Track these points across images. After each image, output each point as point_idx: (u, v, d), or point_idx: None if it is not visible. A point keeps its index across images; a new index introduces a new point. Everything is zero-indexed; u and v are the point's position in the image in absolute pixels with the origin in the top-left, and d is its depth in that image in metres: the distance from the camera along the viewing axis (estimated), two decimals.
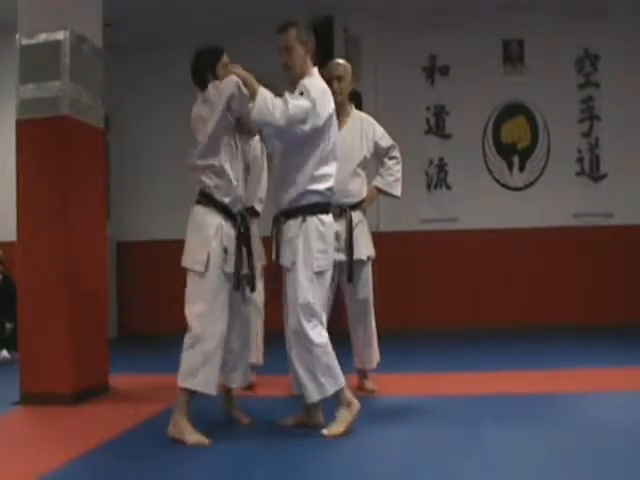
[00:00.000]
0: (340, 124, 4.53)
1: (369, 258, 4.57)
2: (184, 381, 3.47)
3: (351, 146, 4.52)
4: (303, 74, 3.61)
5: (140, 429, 3.83)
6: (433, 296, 8.04)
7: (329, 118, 3.59)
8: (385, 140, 4.66)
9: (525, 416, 3.83)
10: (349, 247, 4.40)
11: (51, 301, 4.51)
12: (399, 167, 4.70)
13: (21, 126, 4.65)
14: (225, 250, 3.56)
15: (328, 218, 3.65)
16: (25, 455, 3.38)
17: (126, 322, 8.70)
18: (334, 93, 4.52)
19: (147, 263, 8.70)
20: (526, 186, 8.32)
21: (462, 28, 8.22)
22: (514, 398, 4.27)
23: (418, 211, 8.20)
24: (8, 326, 6.50)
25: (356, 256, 4.43)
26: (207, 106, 3.57)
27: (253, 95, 3.45)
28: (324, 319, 3.61)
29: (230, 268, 3.57)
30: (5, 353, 6.52)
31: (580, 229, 8.07)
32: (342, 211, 4.41)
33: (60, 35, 4.55)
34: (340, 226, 4.35)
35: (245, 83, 3.49)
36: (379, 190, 4.72)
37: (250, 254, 3.71)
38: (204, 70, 3.66)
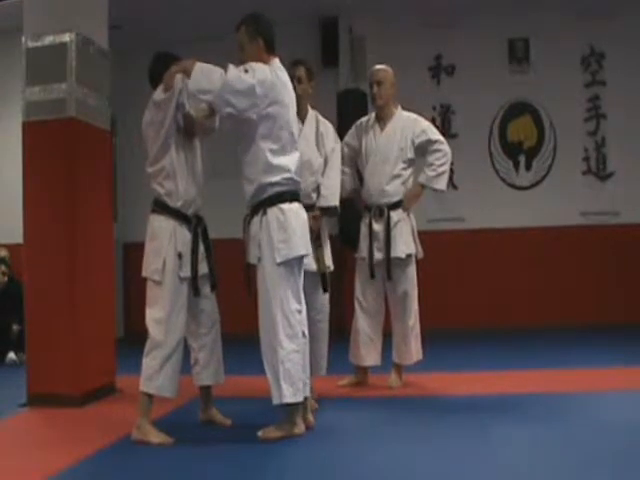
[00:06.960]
0: (382, 127, 4.74)
1: (408, 256, 4.65)
2: (144, 386, 3.56)
3: (389, 148, 4.67)
4: None
5: None
6: (438, 296, 7.99)
7: (273, 105, 3.45)
8: (424, 136, 4.70)
9: (531, 416, 3.83)
10: (387, 246, 4.57)
11: (58, 303, 4.53)
12: (442, 161, 4.67)
13: (27, 128, 4.67)
14: (179, 255, 3.59)
15: (291, 206, 3.51)
16: (33, 456, 3.39)
17: (133, 323, 8.69)
18: (374, 97, 4.70)
19: None
20: (532, 185, 8.29)
21: (467, 27, 8.18)
22: (518, 397, 4.28)
23: (424, 211, 8.17)
24: (15, 328, 6.51)
25: (393, 254, 4.58)
26: (157, 109, 3.61)
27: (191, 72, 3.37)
28: (303, 308, 3.56)
29: (185, 273, 3.61)
30: (12, 355, 6.52)
31: (587, 228, 8.04)
32: (381, 211, 4.60)
33: (66, 37, 4.56)
34: (379, 226, 4.59)
35: (185, 71, 3.43)
36: (423, 186, 4.73)
37: (210, 254, 3.74)
38: (161, 74, 3.62)
